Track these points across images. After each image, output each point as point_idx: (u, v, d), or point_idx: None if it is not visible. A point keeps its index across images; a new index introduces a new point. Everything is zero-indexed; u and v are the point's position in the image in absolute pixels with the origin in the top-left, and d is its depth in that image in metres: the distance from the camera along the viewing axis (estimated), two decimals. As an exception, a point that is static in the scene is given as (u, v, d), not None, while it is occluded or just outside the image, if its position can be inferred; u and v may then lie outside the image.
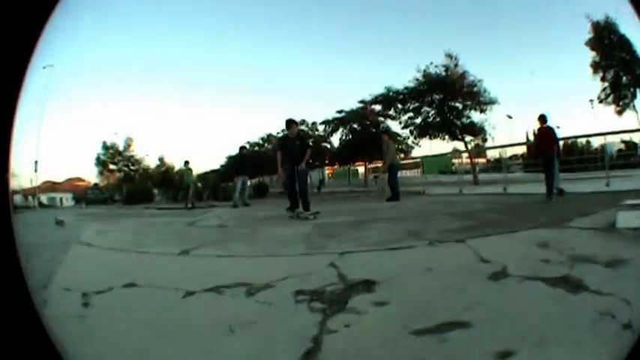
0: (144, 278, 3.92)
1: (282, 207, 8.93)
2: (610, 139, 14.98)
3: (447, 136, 17.19)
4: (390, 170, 11.65)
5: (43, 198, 19.77)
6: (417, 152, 18.14)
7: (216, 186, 17.99)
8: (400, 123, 18.27)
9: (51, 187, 21.20)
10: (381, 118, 18.87)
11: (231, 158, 18.59)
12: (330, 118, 20.10)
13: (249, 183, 14.66)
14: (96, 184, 22.02)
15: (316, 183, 18.52)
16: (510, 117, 15.55)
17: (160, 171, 21.53)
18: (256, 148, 20.51)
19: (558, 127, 10.27)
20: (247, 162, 14.18)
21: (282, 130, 11.24)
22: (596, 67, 16.59)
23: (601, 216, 6.12)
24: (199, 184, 16.76)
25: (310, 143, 10.64)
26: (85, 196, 21.35)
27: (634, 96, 16.35)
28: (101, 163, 20.81)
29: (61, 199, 21.57)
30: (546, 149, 9.45)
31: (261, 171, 17.12)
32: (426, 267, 4.08)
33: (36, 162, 16.37)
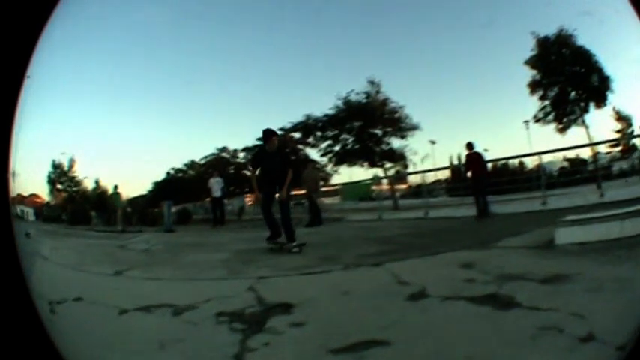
0: (88, 294, 4.17)
1: (205, 234, 9.27)
2: (548, 158, 14.65)
3: (365, 164, 16.34)
4: (309, 197, 11.88)
5: (18, 210, 18.86)
6: (339, 179, 18.14)
7: (145, 211, 17.82)
8: (319, 151, 17.15)
9: (20, 199, 20.20)
10: (301, 146, 18.85)
11: (156, 184, 18.53)
12: (250, 145, 19.75)
13: (173, 209, 14.64)
14: (48, 203, 21.28)
15: (236, 209, 18.73)
16: (434, 142, 14.75)
17: (96, 194, 21.08)
18: (179, 174, 20.43)
19: (486, 151, 10.77)
20: (172, 188, 14.46)
21: (258, 141, 10.64)
22: (535, 85, 15.34)
23: (535, 234, 6.24)
24: (129, 209, 16.66)
25: (293, 158, 9.13)
26: (41, 212, 20.59)
27: (585, 110, 15.35)
28: (51, 182, 20.10)
29: (27, 212, 20.71)
30: (475, 172, 10.00)
31: (185, 197, 17.09)
32: (342, 290, 4.25)
33: (13, 173, 15.52)
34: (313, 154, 17.91)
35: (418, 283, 4.10)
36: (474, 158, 10.11)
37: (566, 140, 15.18)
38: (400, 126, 15.82)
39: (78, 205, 20.20)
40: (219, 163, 16.96)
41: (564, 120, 15.20)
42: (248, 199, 20.40)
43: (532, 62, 15.18)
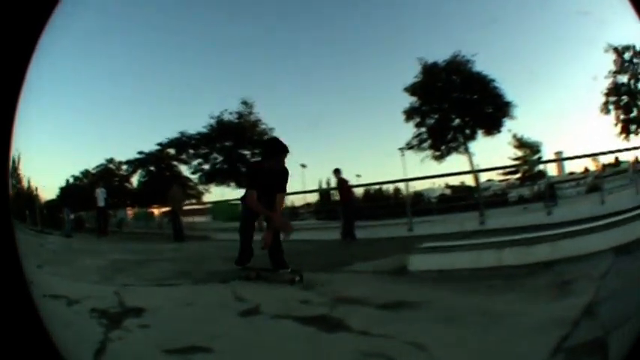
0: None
1: (92, 241, 10.44)
2: (427, 184, 16.04)
3: (232, 183, 17.16)
4: (173, 214, 12.64)
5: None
6: (214, 197, 18.26)
7: (54, 214, 17.44)
8: (190, 168, 18.26)
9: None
10: (175, 162, 18.92)
11: (60, 190, 18.22)
12: (132, 158, 19.65)
13: (72, 216, 15.14)
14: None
15: (117, 221, 18.82)
16: (304, 166, 15.79)
17: (27, 193, 20.12)
18: (77, 182, 19.92)
19: (359, 176, 12.10)
20: (70, 194, 15.21)
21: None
22: (412, 112, 16.43)
23: (391, 260, 6.28)
24: (45, 211, 16.31)
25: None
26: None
27: (470, 137, 16.32)
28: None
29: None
30: (341, 198, 10.84)
31: (81, 205, 16.90)
32: (187, 301, 4.83)
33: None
34: (185, 170, 18.69)
35: (255, 301, 4.53)
36: (341, 184, 10.91)
37: (451, 166, 16.40)
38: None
39: (20, 202, 19.20)
40: (107, 173, 17.68)
41: (442, 147, 16.46)
42: (129, 212, 20.28)
43: (412, 89, 16.51)
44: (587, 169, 16.29)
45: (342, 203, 10.97)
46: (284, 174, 6.34)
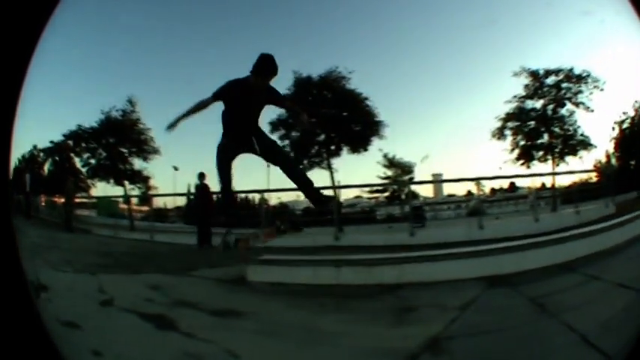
0: None
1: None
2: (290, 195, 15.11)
3: (112, 180, 16.73)
4: (65, 206, 13.08)
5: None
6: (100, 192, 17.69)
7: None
8: (82, 161, 17.67)
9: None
10: (72, 154, 18.09)
11: None
12: (45, 147, 18.45)
13: None
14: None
15: None
16: (176, 169, 15.71)
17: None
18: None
19: None
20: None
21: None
22: (278, 125, 15.54)
23: (235, 269, 6.33)
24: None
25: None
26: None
27: (335, 153, 15.75)
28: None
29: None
30: (202, 203, 10.50)
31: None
32: (69, 287, 5.15)
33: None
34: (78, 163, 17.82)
35: (111, 294, 4.88)
36: (201, 188, 10.51)
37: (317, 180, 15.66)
38: (143, 148, 16.44)
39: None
40: (32, 160, 17.69)
41: (305, 161, 15.61)
42: (42, 199, 18.91)
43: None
44: (470, 192, 16.12)
45: (200, 208, 10.80)
46: (272, 95, 5.20)
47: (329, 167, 15.93)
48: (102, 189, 17.51)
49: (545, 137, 14.89)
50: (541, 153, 14.85)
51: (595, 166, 14.69)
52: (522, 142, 14.99)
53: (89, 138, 17.41)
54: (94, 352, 3.27)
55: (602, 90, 14.01)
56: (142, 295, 5.03)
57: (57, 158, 18.94)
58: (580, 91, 14.32)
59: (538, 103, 14.87)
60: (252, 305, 4.65)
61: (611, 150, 14.66)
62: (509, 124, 14.98)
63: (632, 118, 14.56)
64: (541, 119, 14.82)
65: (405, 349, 3.09)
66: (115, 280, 6.10)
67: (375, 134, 15.73)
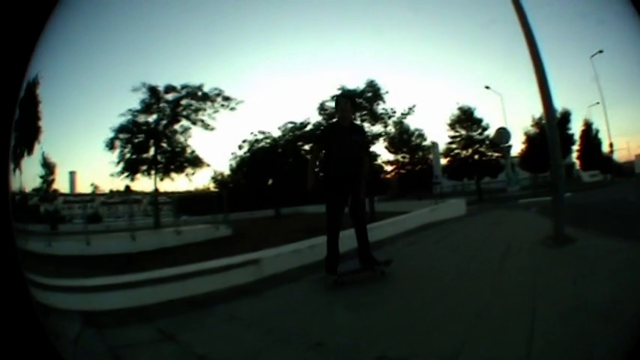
0: None
1: None
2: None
3: None
4: None
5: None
6: None
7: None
8: None
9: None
10: None
11: None
12: None
13: None
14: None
15: None
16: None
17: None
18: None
19: None
20: None
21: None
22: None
23: None
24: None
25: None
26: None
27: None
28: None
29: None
30: None
31: None
32: None
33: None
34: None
35: None
36: None
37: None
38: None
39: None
40: None
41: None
42: None
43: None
44: (96, 193, 15.53)
45: None
46: (359, 130, 5.09)
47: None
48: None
49: (152, 152, 14.71)
50: (145, 167, 14.62)
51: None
52: (128, 155, 14.52)
53: None
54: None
55: (232, 109, 14.53)
56: None
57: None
58: (201, 109, 14.55)
59: (151, 118, 14.59)
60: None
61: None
62: (122, 136, 14.41)
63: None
64: (151, 133, 14.59)
65: None
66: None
67: None
